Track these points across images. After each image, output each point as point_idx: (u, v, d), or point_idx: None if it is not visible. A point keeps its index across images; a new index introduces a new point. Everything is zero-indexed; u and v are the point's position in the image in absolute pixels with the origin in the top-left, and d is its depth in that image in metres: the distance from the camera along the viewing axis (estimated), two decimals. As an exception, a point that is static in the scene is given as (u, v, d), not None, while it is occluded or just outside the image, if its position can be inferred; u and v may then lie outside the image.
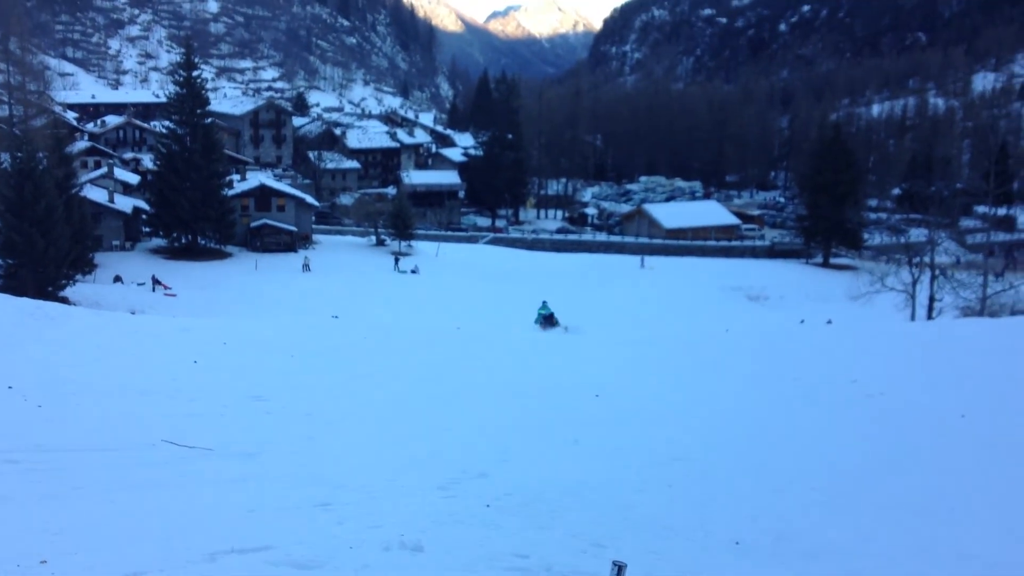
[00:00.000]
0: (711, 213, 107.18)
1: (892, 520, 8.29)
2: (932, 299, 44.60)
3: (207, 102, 68.42)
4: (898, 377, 16.48)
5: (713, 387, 16.52)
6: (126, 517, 7.20)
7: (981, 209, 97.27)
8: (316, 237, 77.75)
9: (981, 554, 7.47)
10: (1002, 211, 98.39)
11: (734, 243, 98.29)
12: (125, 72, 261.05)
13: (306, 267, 63.55)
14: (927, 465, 10.59)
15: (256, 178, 77.43)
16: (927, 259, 47.01)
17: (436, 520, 7.36)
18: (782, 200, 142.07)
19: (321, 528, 6.99)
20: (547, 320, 38.79)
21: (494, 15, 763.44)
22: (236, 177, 74.12)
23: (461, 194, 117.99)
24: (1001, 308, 43.11)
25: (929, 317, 43.47)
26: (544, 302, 41.04)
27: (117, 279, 53.76)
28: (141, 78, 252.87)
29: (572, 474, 9.60)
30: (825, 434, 12.45)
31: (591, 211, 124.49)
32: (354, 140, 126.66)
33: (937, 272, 45.81)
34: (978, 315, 40.05)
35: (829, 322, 42.81)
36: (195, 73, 67.11)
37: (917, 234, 61.19)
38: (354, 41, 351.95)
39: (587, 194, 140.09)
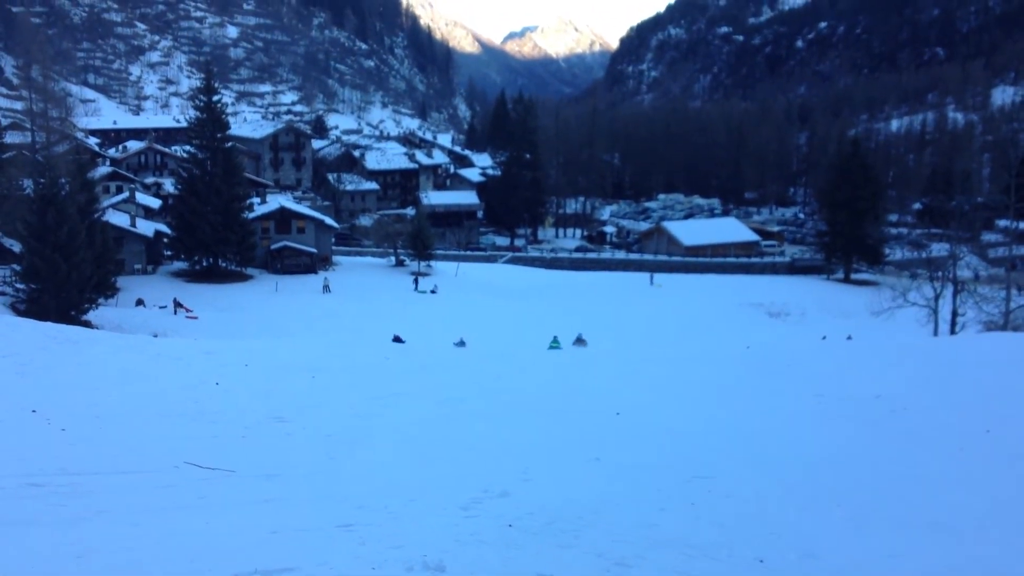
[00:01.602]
0: (730, 230, 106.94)
1: (917, 537, 8.21)
2: (955, 314, 44.18)
3: (227, 126, 68.91)
4: (922, 392, 16.34)
5: (734, 404, 16.42)
6: (149, 540, 7.22)
7: (1003, 223, 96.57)
8: (336, 258, 78.09)
9: (1008, 571, 7.39)
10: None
11: (754, 260, 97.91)
12: (146, 98, 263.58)
13: (326, 288, 63.72)
14: (952, 481, 10.49)
15: (276, 201, 77.96)
16: (949, 274, 46.64)
17: (458, 540, 7.35)
18: (802, 216, 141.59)
19: (343, 549, 6.99)
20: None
21: (511, 36, 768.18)
22: (256, 200, 74.68)
23: (480, 214, 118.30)
24: (1025, 322, 42.67)
25: (952, 332, 43.08)
26: (555, 336, 42.51)
27: (139, 302, 54.08)
28: (162, 103, 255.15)
29: (594, 493, 9.57)
30: (849, 450, 12.35)
31: (610, 229, 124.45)
32: (373, 162, 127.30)
33: (960, 286, 45.41)
34: (1001, 329, 39.68)
35: (849, 338, 42.56)
36: (215, 98, 67.67)
37: (938, 249, 60.71)
38: (372, 64, 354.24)
39: (605, 212, 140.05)
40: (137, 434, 12.58)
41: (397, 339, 41.26)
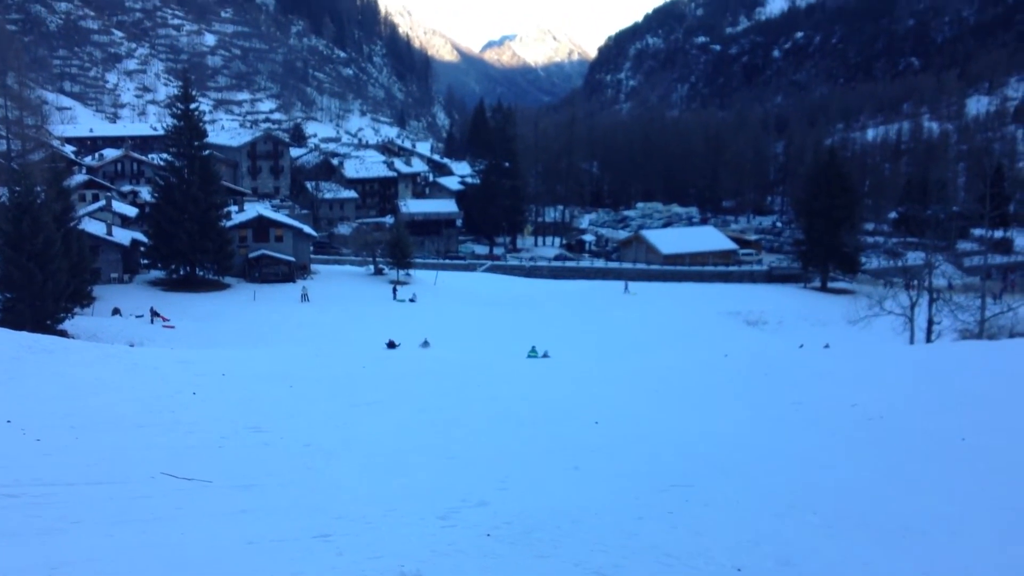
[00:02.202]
0: (708, 238, 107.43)
1: (893, 544, 8.26)
2: (931, 322, 44.50)
3: (204, 134, 68.63)
4: (898, 400, 16.45)
5: (713, 412, 16.48)
6: (125, 551, 7.17)
7: (978, 232, 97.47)
8: (314, 267, 77.84)
9: (983, 577, 7.45)
10: (999, 233, 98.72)
11: (732, 268, 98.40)
12: (123, 105, 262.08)
13: (304, 297, 63.50)
14: (928, 488, 10.57)
15: (254, 209, 77.66)
16: (925, 282, 46.98)
17: (436, 550, 7.33)
18: (779, 225, 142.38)
19: (320, 560, 6.97)
20: (544, 356, 42.40)
21: (489, 44, 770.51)
22: (234, 208, 74.35)
23: (459, 222, 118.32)
24: (999, 330, 43.00)
25: (928, 340, 43.39)
26: (533, 346, 43.49)
27: (116, 312, 53.71)
28: (139, 111, 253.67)
29: (573, 501, 9.57)
30: (826, 458, 12.42)
31: (589, 238, 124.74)
32: (351, 170, 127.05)
33: (935, 295, 45.74)
34: (977, 338, 40.01)
35: (826, 346, 42.81)
36: (192, 106, 67.41)
37: (914, 257, 61.20)
38: (351, 72, 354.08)
39: (584, 221, 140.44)
40: (113, 444, 12.48)
41: (391, 344, 41.34)
